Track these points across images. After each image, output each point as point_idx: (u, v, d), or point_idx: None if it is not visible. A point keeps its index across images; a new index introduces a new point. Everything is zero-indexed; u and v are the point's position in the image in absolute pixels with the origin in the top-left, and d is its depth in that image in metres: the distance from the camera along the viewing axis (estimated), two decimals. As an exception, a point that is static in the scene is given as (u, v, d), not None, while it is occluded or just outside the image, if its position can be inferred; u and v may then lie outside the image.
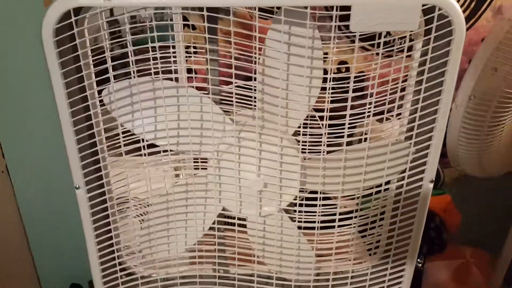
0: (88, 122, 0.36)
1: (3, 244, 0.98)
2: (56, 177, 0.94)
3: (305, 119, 0.38)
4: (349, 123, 0.35)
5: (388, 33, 0.34)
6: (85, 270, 1.05)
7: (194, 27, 0.67)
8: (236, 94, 0.36)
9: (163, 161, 0.41)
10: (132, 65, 0.34)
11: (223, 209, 0.40)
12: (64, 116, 0.34)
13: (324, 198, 0.39)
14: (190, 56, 0.57)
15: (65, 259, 1.02)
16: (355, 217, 0.41)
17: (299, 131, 0.38)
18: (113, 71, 0.34)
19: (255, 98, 0.36)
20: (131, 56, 0.34)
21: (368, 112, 0.35)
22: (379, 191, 0.40)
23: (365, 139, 0.37)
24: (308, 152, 0.38)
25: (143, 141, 0.37)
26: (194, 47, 0.57)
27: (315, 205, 0.40)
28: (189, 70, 0.56)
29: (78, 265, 1.00)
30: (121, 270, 0.43)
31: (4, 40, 0.83)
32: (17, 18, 0.82)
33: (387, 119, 0.37)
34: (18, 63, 0.85)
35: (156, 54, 0.35)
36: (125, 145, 0.37)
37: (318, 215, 0.40)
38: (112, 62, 0.34)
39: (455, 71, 0.33)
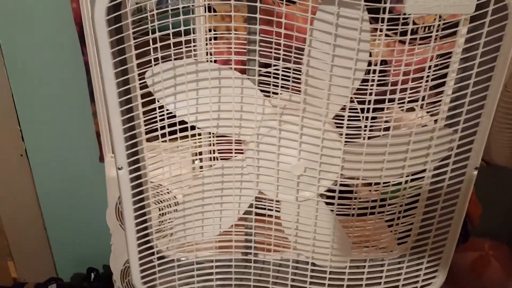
0: (128, 104, 0.36)
1: (20, 228, 1.00)
2: (74, 161, 0.94)
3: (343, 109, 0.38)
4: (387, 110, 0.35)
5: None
6: (101, 255, 1.07)
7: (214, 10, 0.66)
8: (279, 77, 0.35)
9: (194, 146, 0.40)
10: (172, 47, 0.34)
11: (260, 193, 0.40)
12: (111, 96, 0.34)
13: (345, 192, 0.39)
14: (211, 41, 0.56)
15: (81, 244, 1.03)
16: (390, 205, 0.41)
17: (339, 117, 0.37)
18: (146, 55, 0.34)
19: (293, 82, 0.36)
20: (171, 38, 0.34)
21: (409, 98, 0.35)
22: (417, 179, 0.40)
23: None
24: (347, 138, 0.37)
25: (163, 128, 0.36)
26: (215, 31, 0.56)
27: (351, 192, 0.40)
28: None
29: (94, 250, 1.02)
30: (156, 254, 0.43)
31: (20, 24, 0.83)
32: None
33: (413, 109, 0.37)
34: (37, 48, 0.85)
35: (181, 38, 0.35)
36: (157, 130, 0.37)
37: (355, 202, 0.40)
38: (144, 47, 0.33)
39: (508, 56, 0.32)
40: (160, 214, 0.45)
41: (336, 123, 0.37)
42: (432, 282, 0.44)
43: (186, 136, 0.38)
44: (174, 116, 0.37)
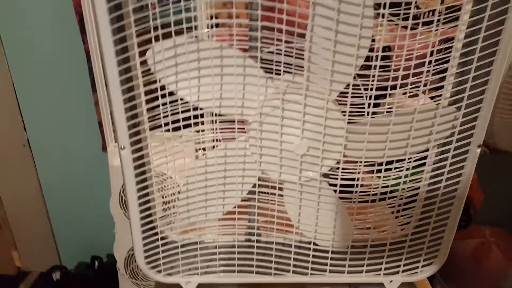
0: (129, 83, 0.36)
1: (24, 217, 1.00)
2: (76, 151, 0.95)
3: (346, 87, 0.37)
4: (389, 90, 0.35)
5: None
6: (104, 244, 1.08)
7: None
8: (282, 55, 0.35)
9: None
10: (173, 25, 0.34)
11: (262, 173, 0.40)
12: (112, 76, 0.34)
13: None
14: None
15: (85, 233, 1.04)
16: (392, 191, 0.41)
17: (342, 94, 0.37)
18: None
19: (296, 61, 0.36)
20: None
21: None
22: (420, 165, 0.39)
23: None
24: (350, 118, 0.37)
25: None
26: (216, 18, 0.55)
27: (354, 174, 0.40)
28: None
29: (97, 239, 1.03)
30: (160, 235, 0.43)
31: (20, 15, 0.83)
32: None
33: (416, 95, 0.37)
34: (37, 38, 0.85)
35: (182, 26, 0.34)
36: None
37: (357, 187, 0.40)
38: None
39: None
40: (163, 202, 0.45)
41: (339, 101, 0.37)
42: (433, 262, 0.44)
43: (189, 125, 0.38)
44: (176, 100, 0.37)
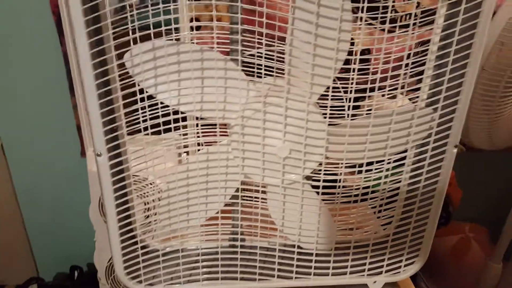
0: (106, 87, 0.35)
1: (-2, 228, 0.96)
2: (54, 156, 0.92)
3: (326, 90, 0.38)
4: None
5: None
6: (84, 253, 1.04)
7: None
8: (263, 58, 0.35)
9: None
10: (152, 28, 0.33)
11: (245, 177, 0.40)
12: (88, 79, 0.33)
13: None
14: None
15: (64, 242, 1.01)
16: (373, 192, 0.41)
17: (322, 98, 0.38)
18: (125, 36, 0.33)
19: (277, 65, 0.36)
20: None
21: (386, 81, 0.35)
22: (399, 165, 0.40)
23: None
24: (331, 120, 0.37)
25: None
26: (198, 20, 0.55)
27: (336, 176, 0.40)
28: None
29: (77, 248, 0.99)
30: (140, 243, 0.42)
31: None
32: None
33: (394, 96, 0.37)
34: (14, 40, 0.82)
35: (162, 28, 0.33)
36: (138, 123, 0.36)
37: (339, 184, 0.40)
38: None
39: (485, 33, 0.33)
40: (145, 209, 0.44)
41: (319, 104, 0.37)
42: (415, 261, 0.44)
43: (170, 129, 0.38)
44: (156, 104, 0.36)
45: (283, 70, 0.36)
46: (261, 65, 0.35)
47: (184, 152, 0.42)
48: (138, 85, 0.35)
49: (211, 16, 0.35)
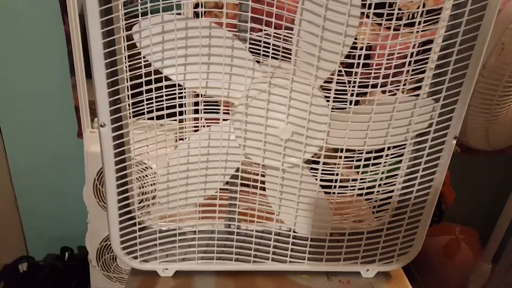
0: (113, 57, 0.35)
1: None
2: (50, 136, 0.91)
3: (330, 76, 0.38)
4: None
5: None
6: (75, 235, 1.04)
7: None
8: (271, 38, 0.35)
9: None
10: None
11: (246, 158, 0.40)
12: (96, 48, 0.33)
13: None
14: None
15: (55, 223, 1.00)
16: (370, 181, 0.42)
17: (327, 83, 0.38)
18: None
19: (284, 48, 0.36)
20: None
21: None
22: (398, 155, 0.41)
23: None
24: (334, 105, 0.38)
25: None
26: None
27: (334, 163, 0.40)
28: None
29: (68, 230, 0.99)
30: (137, 219, 0.42)
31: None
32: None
33: (391, 90, 0.38)
34: (16, 17, 0.81)
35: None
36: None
37: (338, 168, 0.40)
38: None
39: (491, 22, 0.33)
40: (142, 187, 0.44)
41: (323, 89, 0.37)
42: (408, 251, 0.45)
43: (173, 115, 0.38)
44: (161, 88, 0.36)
45: (289, 53, 0.36)
46: (267, 46, 0.35)
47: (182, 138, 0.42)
48: (144, 59, 0.35)
49: (215, 4, 0.35)
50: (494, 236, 0.74)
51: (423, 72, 0.37)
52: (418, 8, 0.36)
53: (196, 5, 0.65)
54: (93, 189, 0.77)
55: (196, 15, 0.55)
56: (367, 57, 0.35)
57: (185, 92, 0.37)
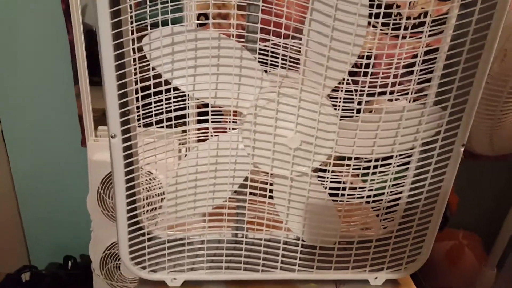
0: (121, 70, 0.35)
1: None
2: (53, 144, 0.91)
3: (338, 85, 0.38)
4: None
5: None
6: (78, 244, 1.03)
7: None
8: (279, 49, 0.35)
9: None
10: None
11: (254, 167, 0.40)
12: (107, 60, 0.33)
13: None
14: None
15: (58, 232, 1.00)
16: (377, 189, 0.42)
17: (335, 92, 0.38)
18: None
19: (291, 59, 0.36)
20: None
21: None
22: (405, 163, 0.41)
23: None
24: (342, 113, 0.38)
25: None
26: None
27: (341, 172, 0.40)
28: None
29: (71, 238, 0.98)
30: (146, 229, 0.42)
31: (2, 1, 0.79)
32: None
33: (397, 98, 0.38)
34: (20, 26, 0.81)
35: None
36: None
37: (345, 177, 0.40)
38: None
39: (500, 26, 0.34)
40: (151, 196, 0.44)
41: (331, 98, 0.38)
42: (416, 258, 0.45)
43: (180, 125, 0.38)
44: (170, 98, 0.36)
45: (297, 63, 0.36)
46: (276, 56, 0.36)
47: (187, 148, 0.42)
48: (154, 70, 0.36)
49: (218, 13, 0.36)
50: (498, 242, 0.74)
51: (429, 80, 0.37)
52: (420, 17, 0.37)
53: (199, 16, 0.65)
54: (97, 198, 0.77)
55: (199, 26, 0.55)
56: (368, 66, 0.36)
57: (189, 103, 0.38)
